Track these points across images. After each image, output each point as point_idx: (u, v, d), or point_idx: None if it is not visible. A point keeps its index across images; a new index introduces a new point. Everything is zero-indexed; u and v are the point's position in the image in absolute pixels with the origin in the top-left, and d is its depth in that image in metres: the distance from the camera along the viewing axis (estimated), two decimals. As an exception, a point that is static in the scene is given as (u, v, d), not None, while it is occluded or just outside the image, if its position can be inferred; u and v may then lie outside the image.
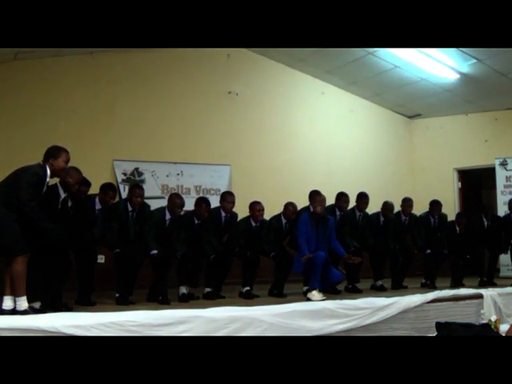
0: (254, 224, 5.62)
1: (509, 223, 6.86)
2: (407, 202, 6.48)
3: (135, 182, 7.15)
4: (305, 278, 5.41)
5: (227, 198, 5.54)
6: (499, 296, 5.60)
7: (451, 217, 7.07)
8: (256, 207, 5.59)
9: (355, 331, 4.42)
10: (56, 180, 4.11)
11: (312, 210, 5.33)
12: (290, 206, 5.78)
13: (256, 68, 8.44)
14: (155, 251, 4.82)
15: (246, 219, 5.66)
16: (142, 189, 5.14)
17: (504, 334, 4.24)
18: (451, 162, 9.49)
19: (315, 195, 5.33)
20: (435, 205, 6.62)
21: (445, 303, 5.16)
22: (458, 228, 6.71)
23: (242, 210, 5.75)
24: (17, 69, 6.67)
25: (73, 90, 7.00)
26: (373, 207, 6.39)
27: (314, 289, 4.98)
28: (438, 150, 9.68)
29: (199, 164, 7.78)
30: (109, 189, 4.89)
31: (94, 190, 4.95)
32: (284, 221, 5.75)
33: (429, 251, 6.43)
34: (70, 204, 4.28)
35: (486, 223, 6.84)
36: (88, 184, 4.80)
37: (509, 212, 6.98)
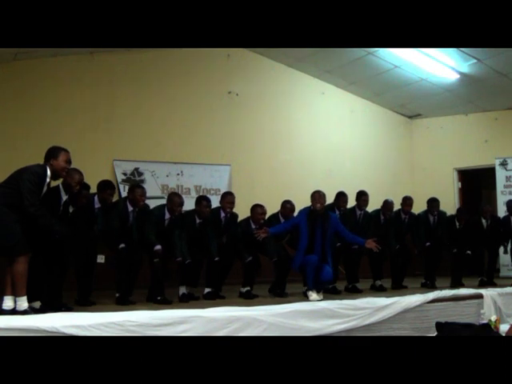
0: (253, 226, 5.59)
1: (508, 225, 6.89)
2: (407, 201, 6.48)
3: (135, 182, 7.17)
4: (303, 277, 5.42)
5: (227, 198, 5.53)
6: (499, 296, 5.60)
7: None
8: (258, 210, 5.55)
9: (355, 331, 4.41)
10: (58, 182, 4.12)
11: (312, 208, 5.29)
12: (287, 204, 5.76)
13: (256, 68, 8.44)
14: (159, 246, 4.80)
15: (247, 221, 5.65)
16: (143, 188, 5.13)
17: (504, 334, 4.24)
18: (451, 162, 9.50)
19: (314, 193, 5.30)
20: (433, 202, 6.60)
21: (445, 303, 5.16)
22: (457, 223, 6.70)
23: (241, 211, 5.74)
24: (17, 69, 6.67)
25: (73, 90, 7.01)
26: (373, 207, 6.39)
27: (311, 289, 4.99)
28: (438, 150, 9.69)
29: (199, 164, 7.78)
30: (107, 186, 4.89)
31: (94, 189, 4.94)
32: (282, 220, 5.73)
33: (428, 244, 6.41)
34: (71, 208, 4.28)
35: (485, 225, 6.84)
36: (87, 187, 4.79)
37: (508, 214, 7.01)
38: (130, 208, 4.94)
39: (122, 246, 4.72)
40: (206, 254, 5.26)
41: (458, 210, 6.98)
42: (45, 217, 3.75)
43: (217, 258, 5.21)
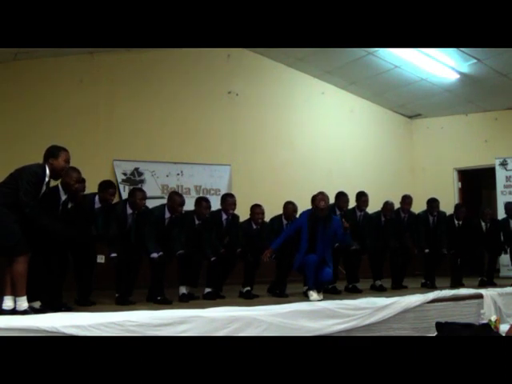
0: (254, 227, 5.62)
1: (507, 227, 6.90)
2: (406, 199, 6.47)
3: (135, 183, 7.17)
4: (303, 277, 5.42)
5: (229, 200, 5.53)
6: (499, 296, 5.60)
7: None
8: (256, 210, 5.60)
9: (355, 331, 4.41)
10: (56, 182, 4.11)
11: (315, 208, 5.22)
12: (289, 205, 5.77)
13: (256, 68, 8.44)
14: (155, 254, 4.81)
15: (247, 222, 5.68)
16: (144, 192, 5.13)
17: (504, 334, 4.25)
18: (451, 162, 9.50)
19: (318, 194, 5.28)
20: (433, 202, 6.59)
21: (445, 303, 5.16)
22: (456, 221, 6.69)
23: (242, 211, 5.75)
24: (17, 69, 6.68)
25: (73, 90, 7.01)
26: (373, 207, 6.39)
27: (311, 289, 4.99)
28: (438, 150, 9.69)
29: (199, 164, 7.78)
30: (109, 186, 4.88)
31: (94, 189, 4.95)
32: (285, 222, 5.75)
33: (427, 251, 6.42)
34: (69, 205, 4.28)
35: (484, 227, 6.84)
36: (82, 180, 4.75)
37: (506, 216, 7.01)
38: (130, 211, 4.91)
39: (114, 255, 4.70)
40: (204, 255, 5.26)
41: (456, 206, 6.96)
42: (40, 218, 3.74)
43: (213, 258, 5.21)
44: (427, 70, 7.89)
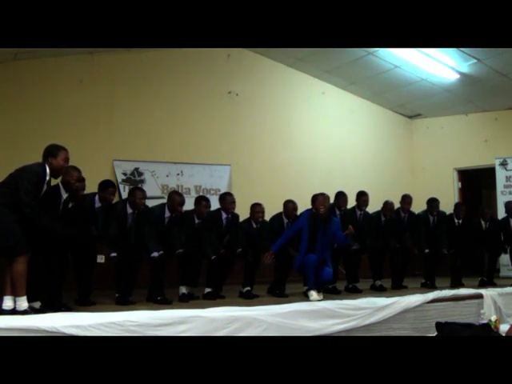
0: (254, 226, 5.63)
1: (507, 226, 6.90)
2: (406, 199, 6.47)
3: (135, 183, 7.17)
4: (303, 277, 5.42)
5: (228, 199, 5.53)
6: (499, 296, 5.60)
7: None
8: (256, 209, 5.60)
9: (355, 331, 4.42)
10: (57, 180, 4.11)
11: (315, 209, 5.25)
12: (289, 203, 5.77)
13: (256, 68, 8.44)
14: (156, 254, 4.81)
15: (247, 221, 5.68)
16: (144, 191, 5.13)
17: (504, 334, 4.25)
18: (451, 162, 9.50)
19: (318, 196, 5.29)
20: (433, 202, 6.60)
21: (445, 303, 5.16)
22: (456, 220, 6.69)
23: (242, 211, 5.75)
24: (17, 69, 6.68)
25: (73, 90, 7.01)
26: (373, 207, 6.39)
27: (312, 289, 4.99)
28: (438, 150, 9.69)
29: (199, 164, 7.78)
30: (108, 185, 4.89)
31: (94, 189, 4.95)
32: (285, 220, 5.75)
33: (427, 251, 6.42)
34: (70, 205, 4.28)
35: (484, 226, 6.84)
36: (82, 179, 4.74)
37: (506, 216, 7.01)
38: (130, 210, 4.91)
39: (114, 255, 4.69)
40: (204, 254, 5.26)
41: (456, 205, 6.96)
42: (40, 218, 3.74)
43: (214, 257, 5.21)
44: (427, 70, 7.89)
